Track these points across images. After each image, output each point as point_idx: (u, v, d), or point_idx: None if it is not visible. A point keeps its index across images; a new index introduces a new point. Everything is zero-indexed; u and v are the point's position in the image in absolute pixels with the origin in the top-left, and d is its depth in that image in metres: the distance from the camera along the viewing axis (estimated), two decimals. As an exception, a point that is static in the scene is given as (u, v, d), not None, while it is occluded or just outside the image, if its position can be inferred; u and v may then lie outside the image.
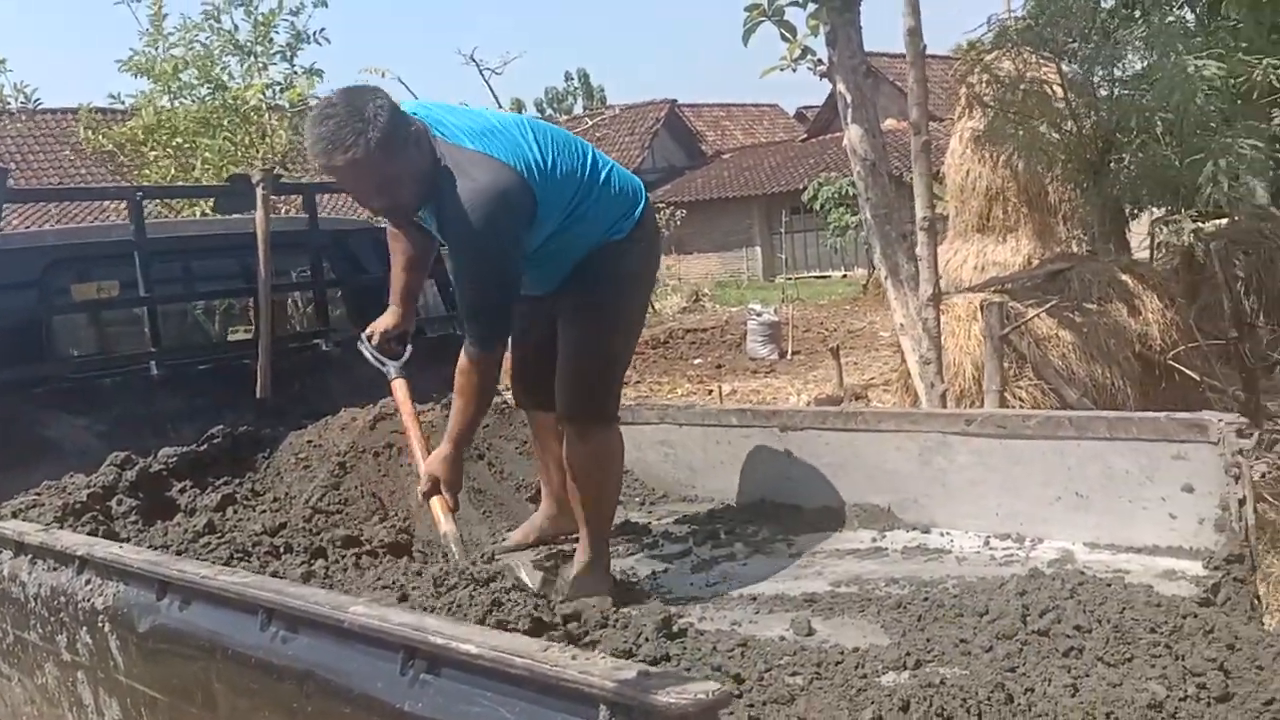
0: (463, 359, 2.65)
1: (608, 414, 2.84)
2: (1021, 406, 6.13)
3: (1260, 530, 4.95)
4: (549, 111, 40.47)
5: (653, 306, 19.65)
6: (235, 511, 3.18)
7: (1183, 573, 2.38)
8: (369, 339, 3.13)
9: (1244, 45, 9.17)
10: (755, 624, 2.42)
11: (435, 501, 2.73)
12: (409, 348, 3.15)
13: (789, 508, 3.24)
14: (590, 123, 27.39)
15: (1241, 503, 2.36)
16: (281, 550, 2.85)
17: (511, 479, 3.52)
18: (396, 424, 3.40)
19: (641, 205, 2.84)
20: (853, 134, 5.69)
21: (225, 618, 2.04)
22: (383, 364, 3.09)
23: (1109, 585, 2.12)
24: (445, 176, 2.52)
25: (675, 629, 2.22)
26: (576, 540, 2.90)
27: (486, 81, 15.61)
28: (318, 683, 1.80)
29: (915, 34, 4.83)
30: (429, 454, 2.80)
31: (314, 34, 10.15)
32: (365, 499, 3.28)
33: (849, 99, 5.66)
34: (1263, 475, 5.97)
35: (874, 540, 2.95)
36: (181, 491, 3.29)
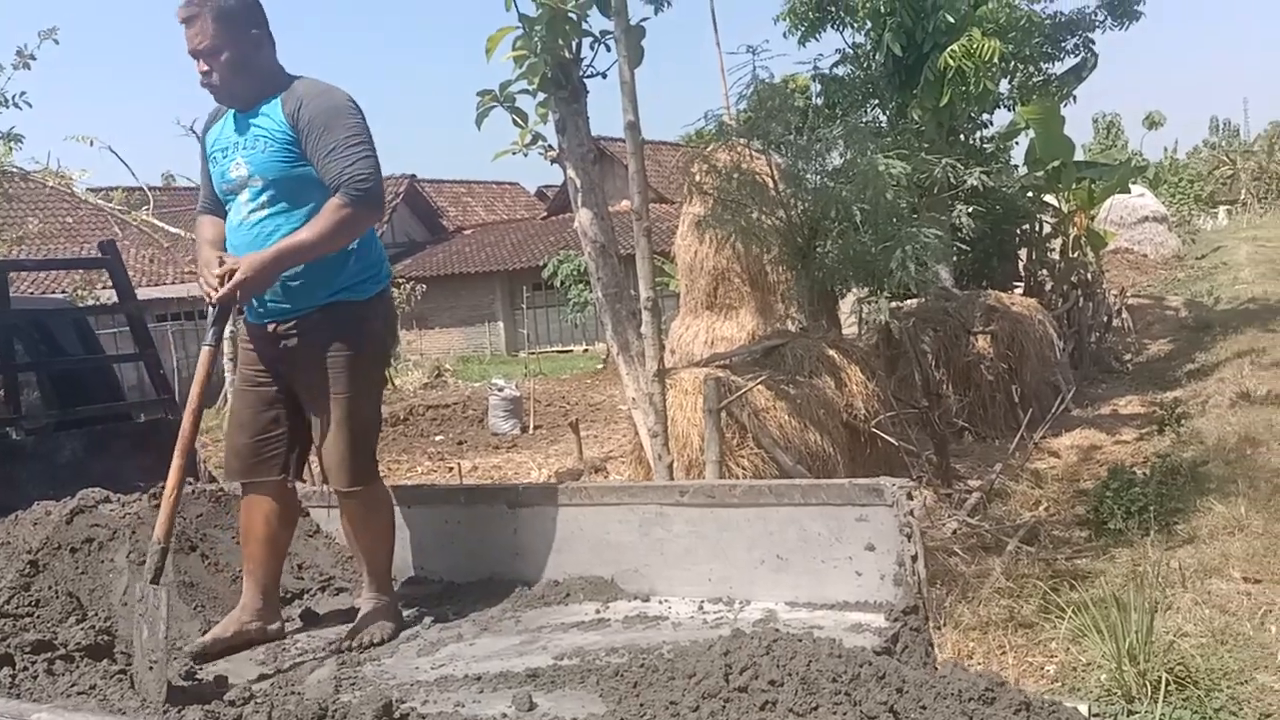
0: (347, 207, 2.89)
1: (375, 470, 3.20)
2: (744, 474, 6.51)
3: (952, 581, 5.50)
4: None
5: (392, 383, 19.24)
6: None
7: (867, 625, 2.63)
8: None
9: (926, 146, 10.42)
10: (479, 703, 2.44)
11: (167, 494, 2.70)
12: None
13: (517, 584, 3.28)
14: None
15: (914, 558, 2.64)
16: (-40, 661, 2.57)
17: (228, 570, 3.36)
18: (96, 517, 3.19)
19: (386, 280, 3.23)
20: (583, 217, 5.94)
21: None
22: (210, 326, 2.95)
23: (800, 640, 2.31)
24: (303, 82, 3.01)
25: (397, 715, 2.20)
26: (271, 640, 3.07)
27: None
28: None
29: (634, 128, 5.14)
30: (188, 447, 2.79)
31: (13, 97, 9.38)
32: (61, 599, 3.02)
33: (579, 184, 5.91)
34: (954, 531, 6.65)
35: (598, 612, 3.05)
36: None
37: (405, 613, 3.23)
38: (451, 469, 10.31)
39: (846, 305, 11.31)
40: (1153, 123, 44.25)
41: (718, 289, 12.80)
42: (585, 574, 3.21)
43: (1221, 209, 53.24)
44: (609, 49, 5.35)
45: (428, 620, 3.16)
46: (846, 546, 2.78)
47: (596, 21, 5.44)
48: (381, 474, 3.36)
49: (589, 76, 6.04)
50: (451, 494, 3.54)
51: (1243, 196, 55.68)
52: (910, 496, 2.67)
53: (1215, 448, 7.63)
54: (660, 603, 3.05)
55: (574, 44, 5.96)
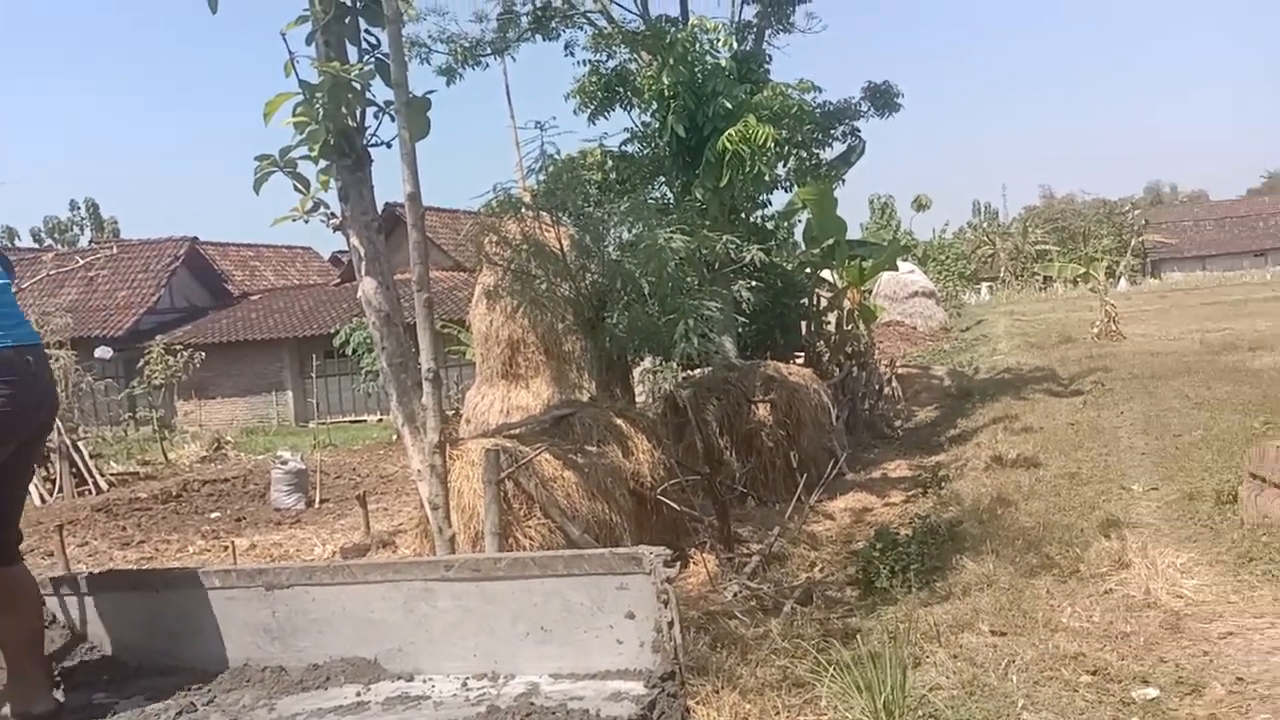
0: None
1: (8, 552, 3.17)
2: (531, 545, 6.49)
3: (732, 644, 5.63)
4: (48, 241, 36.54)
5: (166, 456, 18.08)
6: None
7: (626, 693, 2.67)
8: None
9: (709, 223, 10.90)
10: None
11: None
12: None
13: (273, 670, 3.14)
14: (92, 256, 25.14)
15: (670, 624, 2.70)
16: None
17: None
18: None
19: (13, 340, 3.09)
20: (367, 286, 5.85)
21: None
22: None
23: (555, 713, 2.32)
24: None
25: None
26: None
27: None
28: None
29: (415, 199, 5.13)
30: None
31: None
32: None
33: (363, 252, 5.83)
34: (735, 595, 6.84)
35: (358, 694, 2.95)
36: None
37: (151, 706, 3.02)
38: (226, 548, 9.74)
39: (640, 374, 11.59)
40: (920, 205, 48.00)
41: (513, 358, 12.82)
42: (347, 655, 3.10)
43: (984, 285, 58.18)
44: (393, 119, 5.35)
45: (173, 712, 2.96)
46: (608, 615, 2.81)
47: (384, 91, 5.44)
48: (147, 556, 3.20)
49: (373, 145, 6.02)
50: (205, 576, 3.34)
51: (1002, 274, 61.08)
52: (667, 564, 2.74)
53: (971, 508, 8.21)
54: (424, 681, 2.98)
55: (357, 112, 5.93)
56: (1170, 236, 61.12)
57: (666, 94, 11.39)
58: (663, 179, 12.89)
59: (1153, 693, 4.39)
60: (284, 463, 13.27)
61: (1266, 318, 24.03)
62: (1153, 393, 13.11)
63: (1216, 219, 66.17)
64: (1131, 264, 50.57)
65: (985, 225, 70.26)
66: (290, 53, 4.94)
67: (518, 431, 7.63)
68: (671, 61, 11.22)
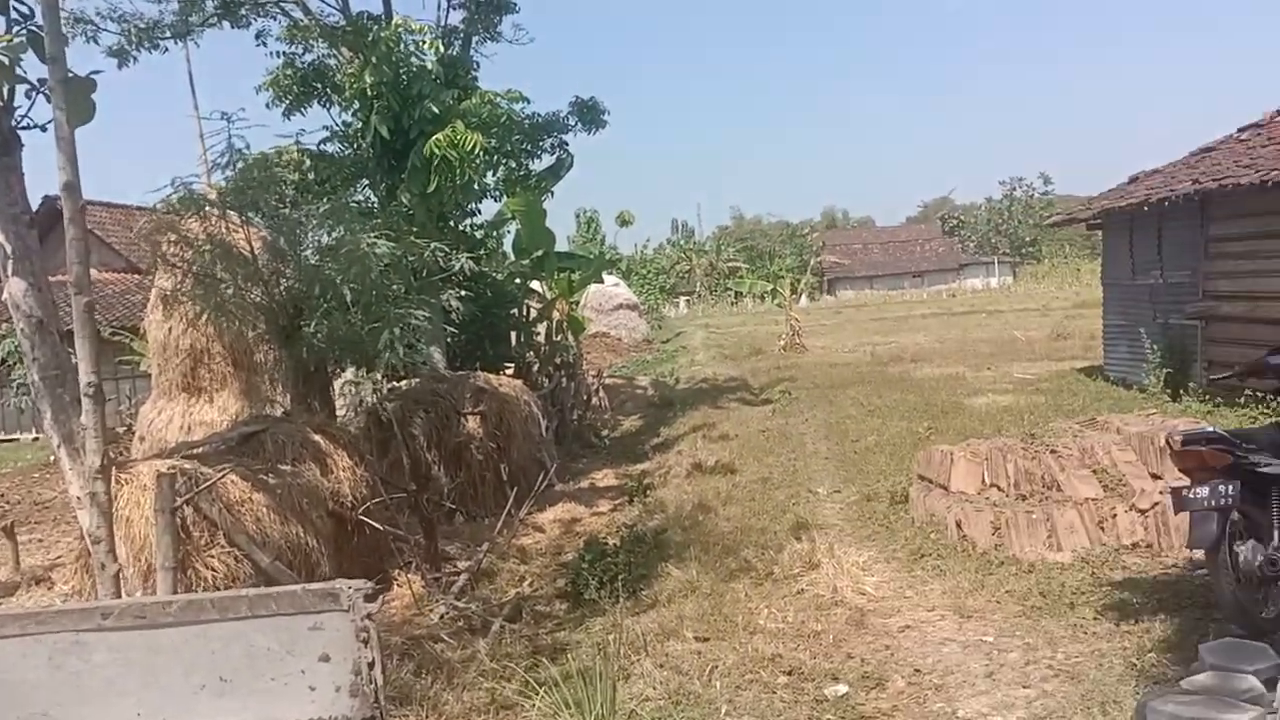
0: None
1: None
2: (214, 576, 5.91)
3: (438, 668, 5.37)
4: None
5: None
6: None
7: (320, 745, 2.40)
8: None
9: (416, 229, 10.55)
10: None
11: None
12: None
13: (-128, 752, 2.58)
14: None
15: (371, 665, 2.47)
16: None
17: None
18: None
19: None
20: (14, 287, 5.13)
21: None
22: None
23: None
24: None
25: None
26: None
27: None
28: None
29: (72, 189, 4.51)
30: None
31: None
32: None
33: (9, 249, 5.11)
34: (442, 616, 6.58)
35: (-13, 774, 2.48)
36: None
37: None
38: None
39: (341, 387, 10.99)
40: (624, 221, 49.52)
41: (196, 369, 11.82)
42: (-25, 726, 2.61)
43: (682, 299, 60.98)
44: (49, 99, 4.71)
45: None
46: (299, 659, 2.54)
47: (39, 68, 4.81)
48: None
49: (23, 128, 5.29)
50: None
51: (698, 289, 64.29)
52: (368, 598, 2.51)
53: (675, 515, 8.43)
54: (73, 750, 2.55)
55: (4, 89, 5.21)
56: (843, 257, 66.96)
57: (369, 93, 10.93)
58: (366, 182, 12.37)
59: (843, 689, 4.63)
60: (-88, 491, 11.43)
61: (925, 332, 26.79)
62: (833, 401, 14.15)
63: (882, 243, 73.22)
64: (811, 282, 54.86)
65: (683, 242, 73.76)
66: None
67: (200, 451, 6.96)
68: (374, 60, 10.78)
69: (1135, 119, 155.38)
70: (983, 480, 6.98)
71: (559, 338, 15.63)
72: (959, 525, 6.70)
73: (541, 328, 15.36)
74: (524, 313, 14.82)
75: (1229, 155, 12.09)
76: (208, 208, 7.91)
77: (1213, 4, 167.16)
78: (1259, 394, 9.45)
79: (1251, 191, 10.27)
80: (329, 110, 12.43)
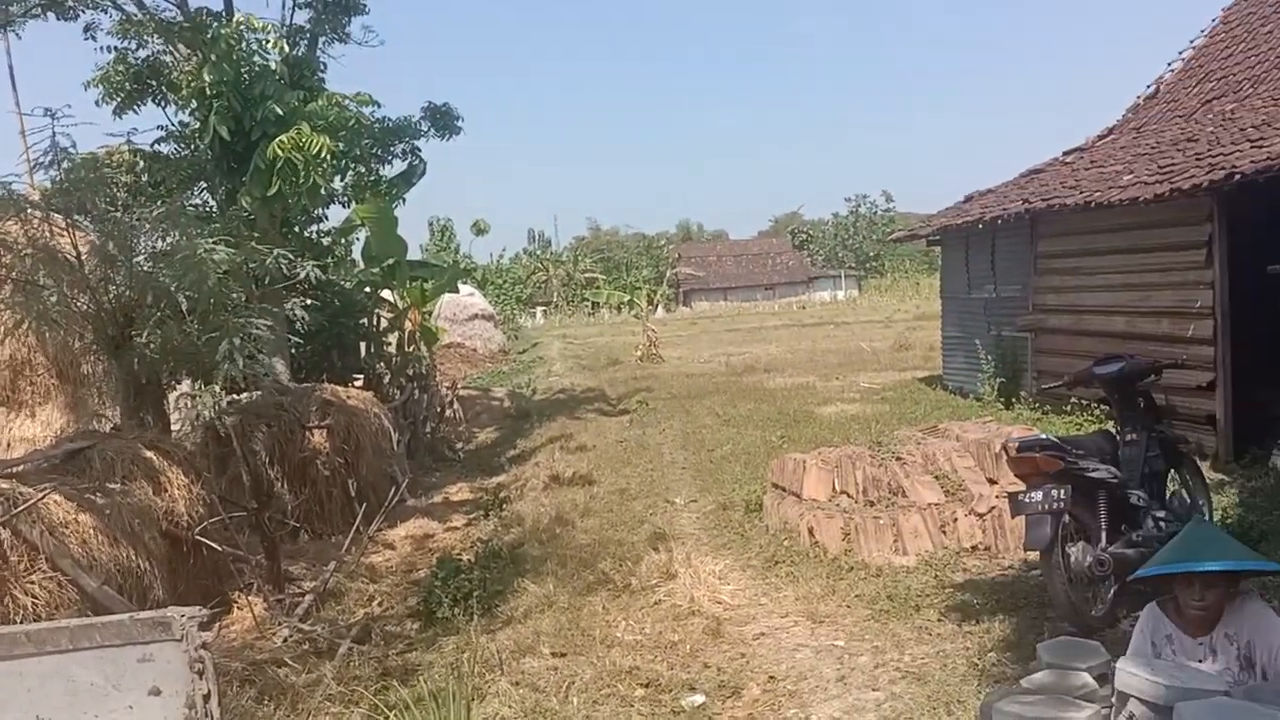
0: None
1: None
2: (35, 604, 5.50)
3: (281, 695, 5.13)
4: None
5: None
6: None
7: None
8: None
9: (257, 235, 10.11)
10: None
11: None
12: None
13: None
14: None
15: (206, 698, 2.31)
16: None
17: None
18: None
19: None
20: None
21: None
22: None
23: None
24: None
25: None
26: None
27: None
28: None
29: None
30: None
31: None
32: None
33: None
34: (285, 640, 6.29)
35: None
36: None
37: None
38: None
39: (176, 400, 10.42)
40: (479, 229, 49.01)
41: (16, 381, 11.11)
42: None
43: (539, 309, 60.74)
44: None
45: None
46: (126, 694, 2.35)
47: None
48: None
49: None
50: None
51: (555, 299, 64.16)
52: (203, 626, 2.34)
53: (532, 529, 8.33)
54: None
55: None
56: (698, 269, 68.04)
57: (209, 93, 10.44)
58: (204, 184, 11.81)
59: (699, 699, 4.65)
60: None
61: (776, 343, 27.47)
62: (689, 411, 14.32)
63: (735, 255, 74.78)
64: (667, 293, 55.55)
65: (540, 252, 73.54)
66: None
67: (20, 469, 6.47)
68: (214, 58, 10.30)
69: (970, 139, 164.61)
70: (833, 487, 7.16)
71: (411, 348, 15.28)
72: (811, 532, 6.86)
73: (393, 338, 14.99)
74: (374, 323, 14.41)
75: (1055, 176, 12.85)
76: (29, 209, 7.37)
77: (1032, 35, 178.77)
78: (1084, 402, 10.03)
79: (1076, 211, 10.93)
80: (164, 109, 11.82)
